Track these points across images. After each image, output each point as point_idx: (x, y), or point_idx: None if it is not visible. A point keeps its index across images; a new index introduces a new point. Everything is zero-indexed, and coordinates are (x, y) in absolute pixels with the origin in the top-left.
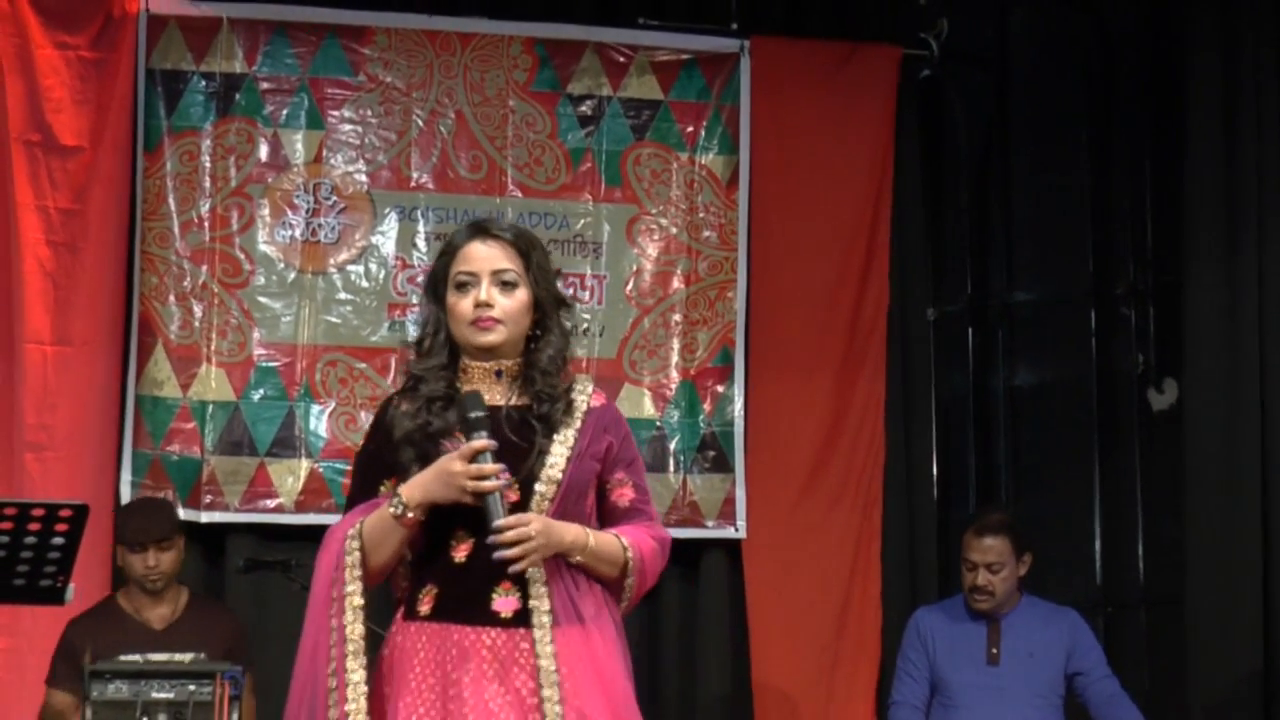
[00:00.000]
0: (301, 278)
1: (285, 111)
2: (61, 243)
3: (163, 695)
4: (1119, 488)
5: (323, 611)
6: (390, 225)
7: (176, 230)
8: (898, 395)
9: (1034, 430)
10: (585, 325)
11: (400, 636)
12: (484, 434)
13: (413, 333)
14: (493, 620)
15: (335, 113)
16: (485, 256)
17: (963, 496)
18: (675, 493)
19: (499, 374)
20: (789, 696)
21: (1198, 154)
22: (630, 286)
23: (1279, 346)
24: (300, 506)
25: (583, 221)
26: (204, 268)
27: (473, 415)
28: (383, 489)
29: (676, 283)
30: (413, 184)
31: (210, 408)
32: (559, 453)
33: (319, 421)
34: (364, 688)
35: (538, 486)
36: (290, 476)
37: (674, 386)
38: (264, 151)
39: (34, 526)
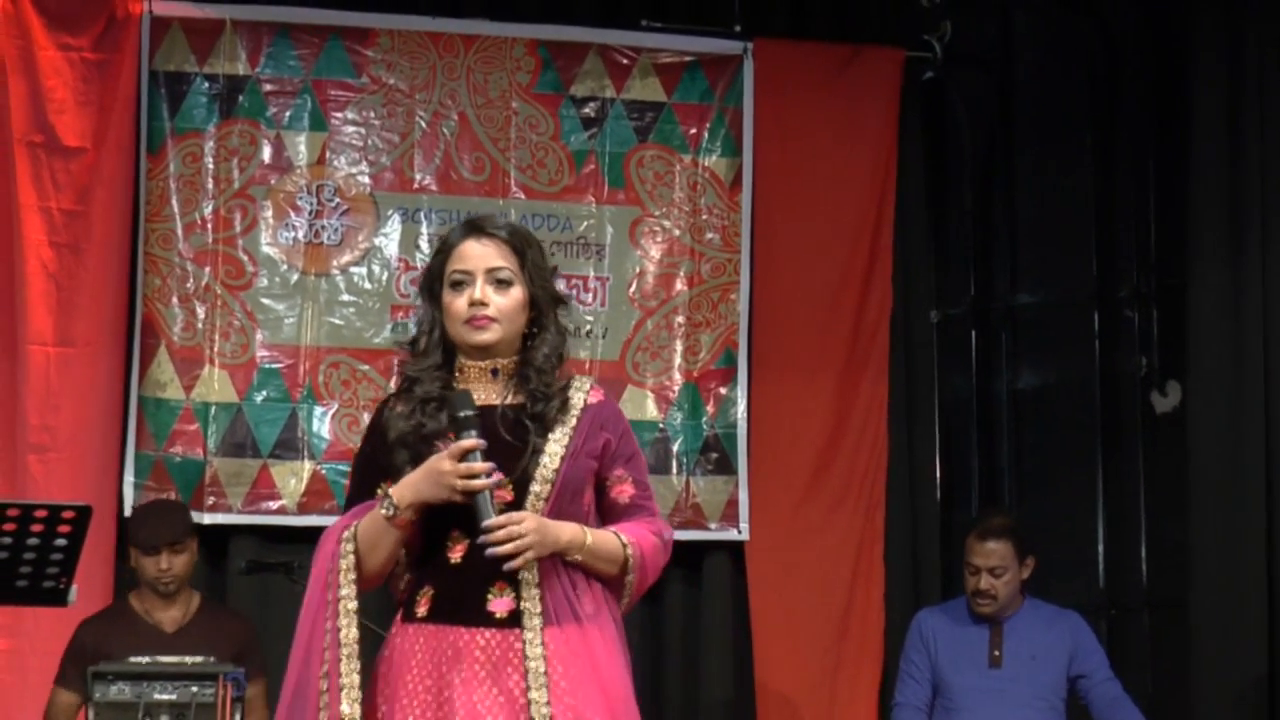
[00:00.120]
0: (304, 279)
1: (288, 113)
2: (64, 244)
3: (165, 696)
4: (1122, 490)
5: (317, 615)
6: (393, 227)
7: (179, 232)
8: (901, 397)
9: (1037, 433)
10: (588, 327)
11: (398, 639)
12: (473, 433)
13: (413, 333)
14: (488, 621)
15: (338, 114)
16: (480, 255)
17: (965, 499)
18: (678, 495)
19: (495, 373)
20: (792, 698)
21: (1201, 156)
22: (633, 288)
23: None
24: (303, 508)
25: (586, 223)
26: (207, 269)
27: (462, 414)
28: (380, 491)
29: (679, 285)
30: (416, 186)
31: (213, 409)
32: (553, 451)
33: (322, 423)
34: (358, 692)
35: (532, 486)
36: (293, 478)
37: (677, 388)
38: (267, 153)
39: (37, 528)
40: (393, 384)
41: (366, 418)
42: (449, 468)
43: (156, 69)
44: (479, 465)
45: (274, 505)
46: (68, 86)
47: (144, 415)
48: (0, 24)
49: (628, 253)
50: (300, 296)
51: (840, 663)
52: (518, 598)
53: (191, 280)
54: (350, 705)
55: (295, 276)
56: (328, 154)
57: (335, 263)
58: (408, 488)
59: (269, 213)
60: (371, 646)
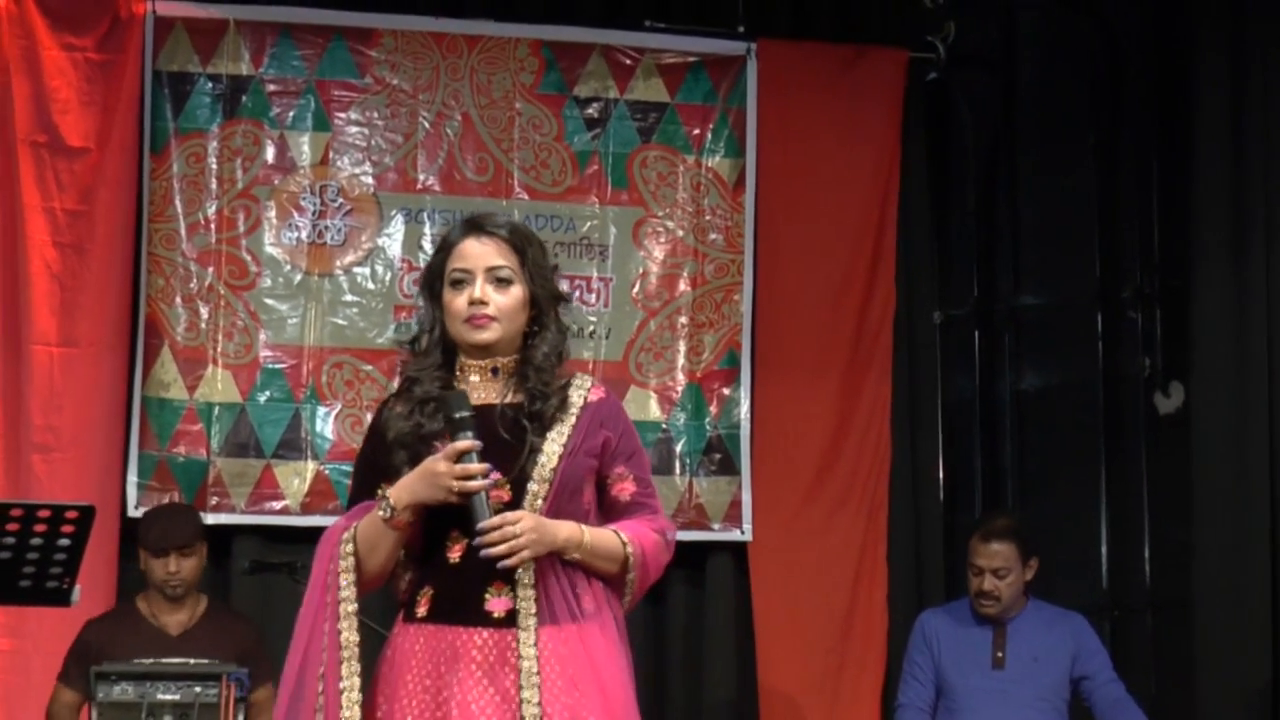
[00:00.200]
0: (308, 280)
1: (292, 113)
2: (68, 244)
3: (168, 697)
4: (1125, 492)
5: (316, 617)
6: (396, 227)
7: (183, 232)
8: (904, 399)
9: (1040, 434)
10: (591, 328)
11: (399, 639)
12: (469, 434)
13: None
14: (485, 621)
15: (342, 115)
16: (479, 253)
17: (969, 500)
18: (681, 495)
19: (495, 372)
20: (795, 699)
21: (1205, 156)
22: (636, 289)
23: None
24: (306, 508)
25: (589, 224)
26: (210, 269)
27: (457, 415)
28: (379, 492)
29: (683, 285)
30: (419, 186)
31: (216, 409)
32: (551, 450)
33: (325, 423)
34: (357, 695)
35: (530, 485)
36: (296, 478)
37: (680, 389)
38: (270, 153)
39: (40, 528)
40: (395, 384)
41: (369, 418)
42: (444, 469)
43: (160, 69)
44: (474, 467)
45: (277, 505)
46: (71, 87)
47: (147, 415)
48: (4, 24)
49: (631, 253)
50: (303, 297)
51: (843, 664)
52: (514, 597)
53: (195, 280)
54: (349, 709)
55: (299, 277)
56: (331, 154)
57: (338, 263)
58: (404, 489)
59: (272, 213)
60: (375, 647)
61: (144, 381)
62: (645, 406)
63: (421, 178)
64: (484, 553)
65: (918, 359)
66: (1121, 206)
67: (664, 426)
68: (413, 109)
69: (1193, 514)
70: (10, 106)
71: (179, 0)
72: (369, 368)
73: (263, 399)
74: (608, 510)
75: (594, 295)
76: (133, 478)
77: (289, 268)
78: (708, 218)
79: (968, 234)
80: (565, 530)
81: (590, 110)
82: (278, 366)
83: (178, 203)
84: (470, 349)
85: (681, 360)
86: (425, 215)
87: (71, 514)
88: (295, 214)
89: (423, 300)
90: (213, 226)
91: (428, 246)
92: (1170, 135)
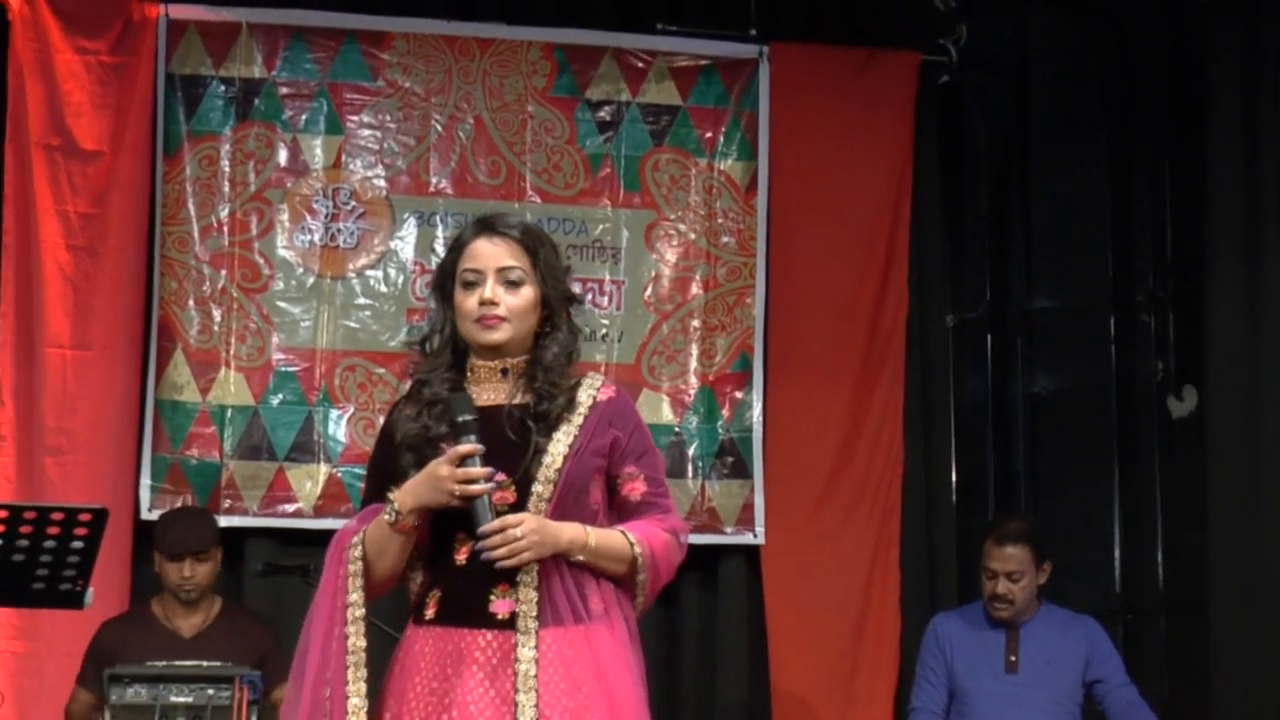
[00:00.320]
0: (320, 282)
1: (304, 116)
2: (81, 247)
3: (181, 699)
4: (1138, 495)
5: (324, 622)
6: (409, 230)
7: (196, 235)
8: (916, 402)
9: (1053, 437)
10: (604, 331)
11: (409, 642)
12: (472, 437)
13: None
14: (489, 622)
15: (354, 118)
16: (490, 254)
17: (981, 503)
18: (693, 498)
19: (504, 373)
20: (807, 702)
21: (1217, 158)
22: (649, 292)
23: None
24: (319, 511)
25: (601, 227)
26: (223, 272)
27: (460, 419)
28: (389, 494)
29: (695, 288)
30: (431, 189)
31: (229, 412)
32: (556, 451)
33: (338, 426)
34: (364, 701)
35: (534, 486)
36: (309, 481)
37: (692, 392)
38: (283, 156)
39: (53, 530)
40: (406, 386)
41: (382, 421)
42: (446, 473)
43: (173, 72)
44: (475, 470)
45: (290, 508)
46: (84, 90)
47: (160, 418)
48: (17, 27)
49: (643, 256)
50: (316, 300)
51: (856, 667)
52: (517, 599)
53: (208, 283)
54: (356, 714)
55: (311, 280)
56: (343, 157)
57: (351, 266)
58: (409, 493)
59: (285, 216)
60: (388, 650)
61: (157, 384)
62: (657, 410)
63: (434, 181)
64: (485, 556)
65: (930, 362)
66: (1134, 209)
67: (676, 430)
68: (425, 112)
69: (1208, 517)
70: (24, 109)
71: (192, 3)
72: (381, 370)
73: (275, 402)
74: (619, 510)
75: (606, 298)
76: (146, 480)
77: (301, 270)
78: (720, 220)
79: (980, 237)
80: (569, 532)
81: (602, 113)
82: (290, 369)
83: (190, 206)
84: (480, 349)
85: (694, 363)
86: (438, 218)
87: (84, 516)
88: (308, 217)
89: (434, 300)
90: (225, 229)
91: (440, 249)
92: (1183, 137)
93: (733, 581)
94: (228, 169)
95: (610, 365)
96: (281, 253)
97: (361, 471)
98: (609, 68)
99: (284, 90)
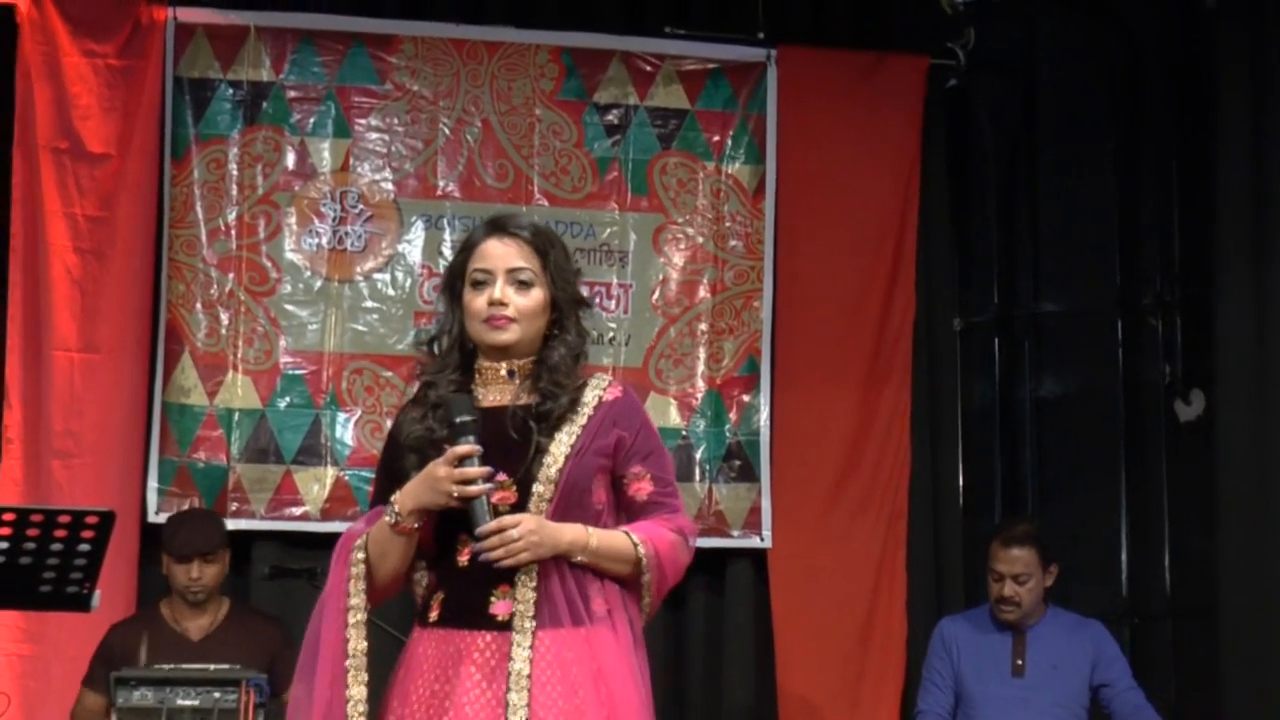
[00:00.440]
0: (328, 286)
1: (312, 120)
2: (89, 250)
3: (188, 702)
4: (1145, 499)
5: (327, 625)
6: (416, 233)
7: (204, 238)
8: (924, 405)
9: (1060, 441)
10: (611, 334)
11: (413, 644)
12: (470, 438)
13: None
14: (489, 624)
15: (362, 121)
16: (501, 255)
17: (988, 507)
18: (701, 502)
19: (511, 374)
20: (814, 706)
21: (1225, 162)
22: (656, 295)
23: None
24: (326, 514)
25: (609, 230)
26: (231, 275)
27: (458, 420)
28: (392, 496)
29: (703, 292)
30: (439, 192)
31: (236, 415)
32: (558, 451)
33: (345, 429)
34: (365, 706)
35: (535, 486)
36: (316, 484)
37: (700, 396)
38: (291, 160)
39: (60, 533)
40: (413, 388)
41: (389, 424)
42: (444, 474)
43: (181, 75)
44: (472, 471)
45: (297, 511)
46: (92, 93)
47: (167, 421)
48: (26, 30)
49: (651, 260)
50: (324, 303)
51: (862, 671)
52: (514, 600)
53: (215, 286)
54: (356, 718)
55: (319, 283)
56: (351, 160)
57: (359, 269)
58: (409, 494)
59: (293, 219)
60: (393, 653)
61: (164, 387)
62: (665, 413)
63: (441, 184)
64: (483, 558)
65: (938, 366)
66: (1142, 213)
67: (684, 433)
68: (433, 115)
69: (1217, 521)
70: (32, 112)
71: (200, 7)
72: (389, 374)
73: (283, 405)
74: (626, 510)
75: (614, 302)
76: (153, 483)
77: (309, 274)
78: (728, 224)
79: (988, 240)
80: (569, 533)
81: (610, 117)
82: (298, 372)
83: (198, 209)
84: (489, 350)
85: (701, 367)
86: (445, 221)
87: (92, 519)
88: (315, 220)
89: (443, 301)
90: (233, 232)
91: (448, 253)
92: (1191, 140)
93: (740, 585)
94: (235, 172)
95: (617, 369)
96: (289, 256)
97: (369, 475)
98: (617, 71)
99: (292, 93)
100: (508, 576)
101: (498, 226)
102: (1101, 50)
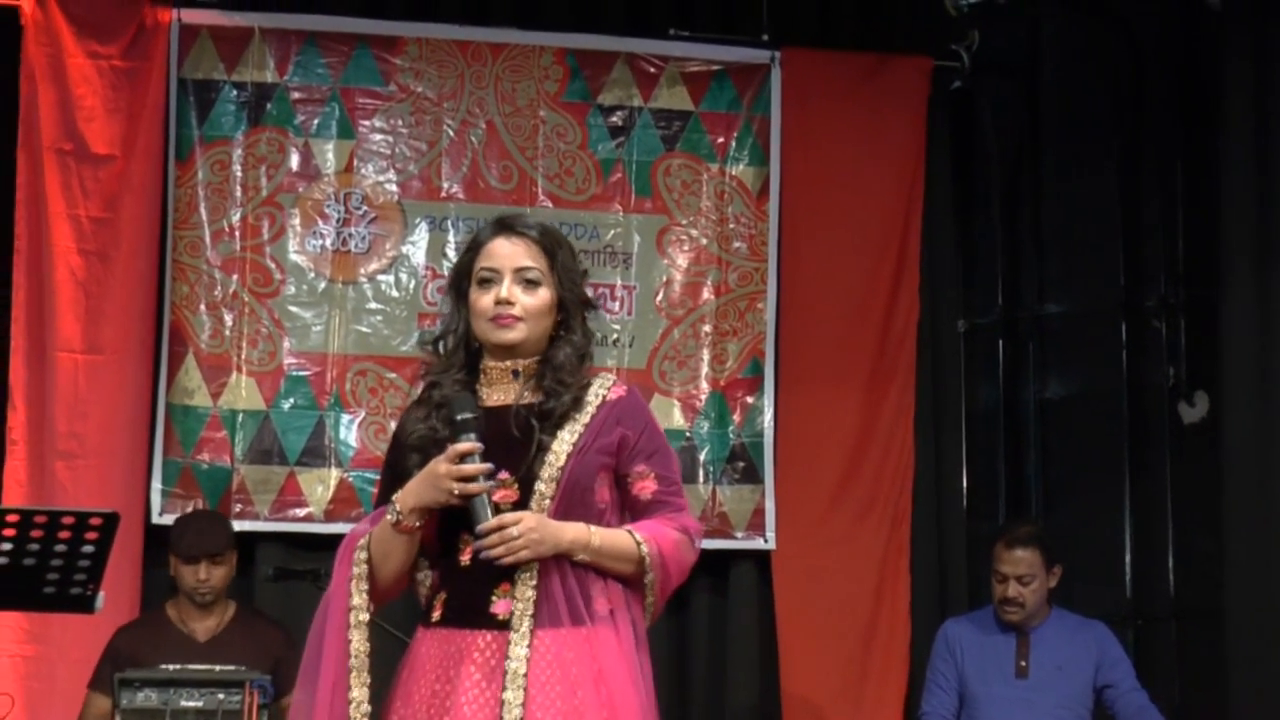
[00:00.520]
0: (332, 287)
1: (316, 121)
2: (93, 251)
3: (192, 704)
4: (1149, 501)
5: (328, 625)
6: (421, 235)
7: (208, 239)
8: (927, 407)
9: (1064, 442)
10: (615, 336)
11: (416, 645)
12: (471, 435)
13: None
14: (490, 623)
15: (366, 122)
16: (508, 254)
17: (992, 509)
18: (704, 504)
19: (516, 374)
20: (817, 707)
21: (1230, 163)
22: (660, 297)
23: None
24: (330, 516)
25: (613, 232)
26: (235, 277)
27: (459, 417)
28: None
29: (706, 293)
30: (443, 194)
31: (240, 417)
32: (560, 449)
33: (349, 431)
34: (368, 706)
35: (537, 484)
36: (320, 486)
37: (704, 397)
38: (295, 161)
39: (64, 535)
40: (417, 389)
41: (393, 425)
42: (444, 470)
43: (185, 77)
44: (472, 468)
45: (301, 513)
46: (97, 94)
47: (171, 422)
48: (30, 32)
49: (655, 261)
50: (328, 304)
51: (866, 672)
52: (514, 598)
53: (219, 288)
54: (360, 718)
55: (323, 284)
56: (355, 162)
57: (363, 271)
58: (410, 493)
59: (297, 220)
60: (396, 654)
61: (168, 388)
62: (669, 415)
63: (446, 185)
64: (484, 555)
65: (941, 367)
66: (1146, 214)
67: (687, 435)
68: (437, 117)
69: (1223, 523)
70: (36, 114)
71: (204, 8)
72: (393, 375)
73: (286, 406)
74: (630, 509)
75: (617, 303)
76: (157, 485)
77: (313, 275)
78: (731, 226)
79: (992, 242)
80: (571, 531)
81: (614, 118)
82: (302, 374)
83: (202, 210)
84: (494, 349)
85: (705, 368)
86: (449, 223)
87: (95, 521)
88: (319, 221)
89: (449, 300)
90: (237, 234)
91: (452, 254)
92: (1195, 141)
93: (743, 586)
94: (239, 174)
95: (621, 370)
96: (293, 257)
97: (372, 476)
98: (621, 73)
99: (296, 95)
100: (509, 576)
101: (505, 226)
102: (1105, 51)
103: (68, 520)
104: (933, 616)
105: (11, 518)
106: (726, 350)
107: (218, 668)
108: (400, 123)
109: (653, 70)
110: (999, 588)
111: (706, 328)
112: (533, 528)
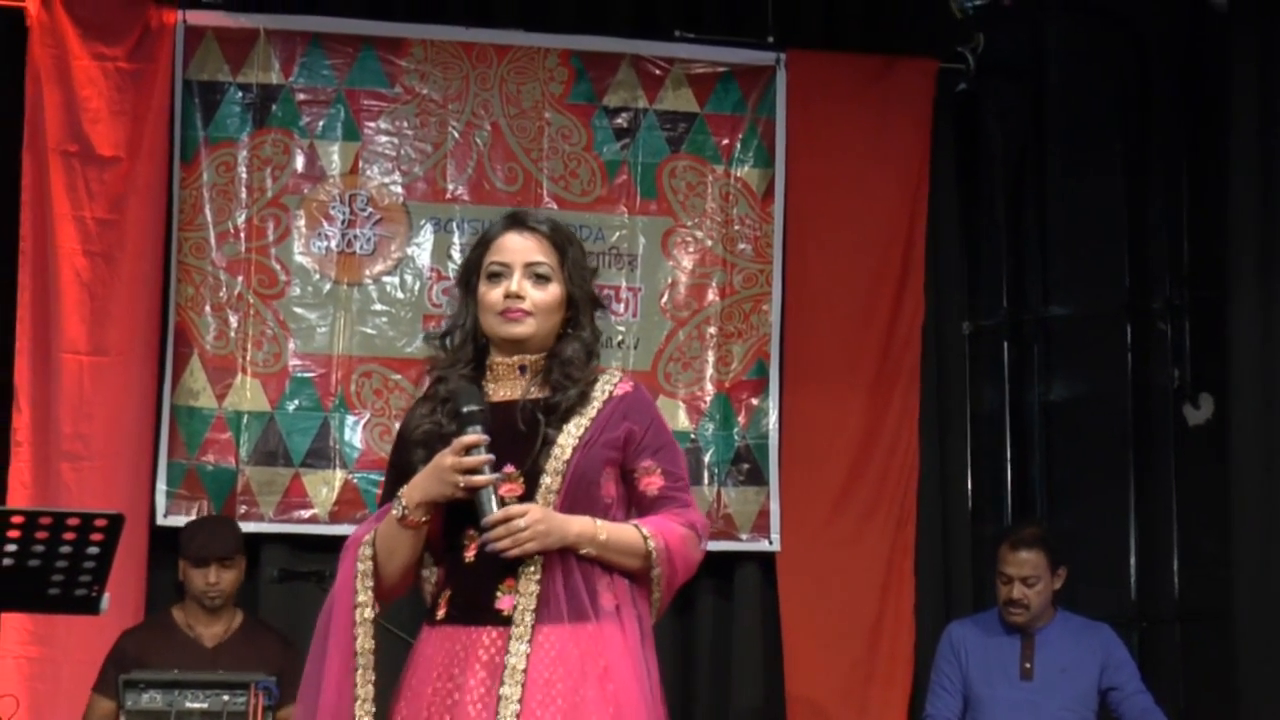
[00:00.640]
0: (337, 289)
1: (321, 123)
2: (98, 253)
3: (197, 705)
4: (1154, 502)
5: (334, 623)
6: (426, 237)
7: (213, 241)
8: (932, 409)
9: (1069, 445)
10: (620, 338)
11: (421, 644)
12: (477, 428)
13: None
14: (495, 619)
15: (371, 124)
16: (519, 248)
17: (997, 511)
18: (709, 505)
19: (523, 370)
20: (822, 709)
21: (1236, 166)
22: (665, 299)
23: None
24: (334, 517)
25: (618, 234)
26: (240, 278)
27: (465, 409)
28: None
29: (711, 295)
30: (448, 196)
31: (245, 418)
32: (566, 443)
33: (354, 432)
34: (372, 705)
35: (543, 478)
36: (325, 487)
37: (708, 399)
38: (300, 162)
39: (69, 536)
40: (423, 386)
41: (399, 427)
42: (450, 463)
43: (190, 78)
44: (476, 459)
45: (306, 514)
46: (102, 96)
47: (176, 424)
48: (35, 34)
49: (660, 263)
50: (333, 306)
51: (871, 674)
52: (517, 593)
53: (224, 289)
54: (364, 717)
55: (328, 286)
56: (360, 163)
57: (368, 272)
58: (415, 487)
59: (302, 222)
60: (402, 654)
61: (173, 390)
62: (674, 416)
63: (451, 187)
64: (489, 548)
65: (946, 369)
66: (1151, 217)
67: (692, 436)
68: (442, 119)
69: (1230, 525)
70: (41, 116)
71: (210, 10)
72: (398, 377)
73: (291, 408)
74: (637, 505)
75: (622, 305)
76: (162, 486)
77: (318, 277)
78: (736, 228)
79: (997, 244)
80: (577, 525)
81: (619, 120)
82: (307, 375)
83: (207, 211)
84: (502, 344)
85: (710, 370)
86: (454, 225)
87: (100, 522)
88: (325, 223)
89: (457, 295)
90: (242, 235)
91: (457, 256)
92: (1200, 144)
93: (748, 588)
94: (245, 175)
95: (626, 372)
96: (298, 259)
97: (377, 477)
98: (626, 75)
99: (301, 96)
100: (514, 571)
101: (516, 221)
102: (1110, 54)
103: (73, 522)
104: (937, 618)
105: (16, 519)
106: (731, 352)
107: (223, 672)
108: (405, 124)
109: (658, 72)
110: (1004, 589)
111: (711, 329)
112: (539, 520)
